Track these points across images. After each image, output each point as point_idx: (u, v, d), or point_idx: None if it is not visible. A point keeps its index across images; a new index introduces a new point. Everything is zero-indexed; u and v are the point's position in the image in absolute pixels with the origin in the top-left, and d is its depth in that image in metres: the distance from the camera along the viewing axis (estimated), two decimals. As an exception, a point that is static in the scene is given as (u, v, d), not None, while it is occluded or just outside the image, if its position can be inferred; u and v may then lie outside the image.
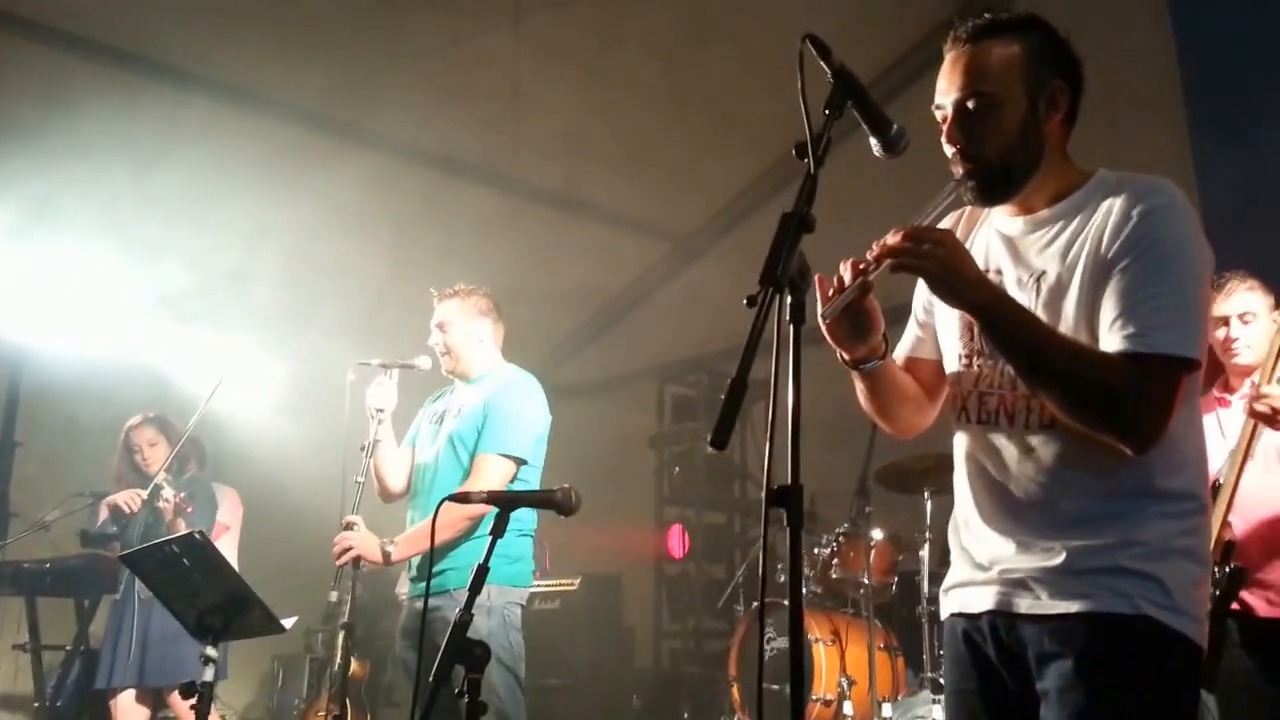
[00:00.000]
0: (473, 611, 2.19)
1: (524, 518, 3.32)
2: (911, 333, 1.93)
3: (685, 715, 4.74)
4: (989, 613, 1.68)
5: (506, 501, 2.34)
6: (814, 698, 4.16)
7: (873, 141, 1.67)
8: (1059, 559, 1.60)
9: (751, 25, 5.47)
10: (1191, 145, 5.27)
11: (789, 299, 1.49)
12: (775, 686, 4.32)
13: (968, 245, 1.81)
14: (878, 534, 4.53)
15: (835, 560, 4.55)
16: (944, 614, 1.82)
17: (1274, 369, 2.77)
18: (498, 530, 2.30)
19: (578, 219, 6.84)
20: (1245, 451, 2.78)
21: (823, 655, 4.22)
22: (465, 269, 3.90)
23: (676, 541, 6.35)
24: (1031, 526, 1.64)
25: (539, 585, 5.49)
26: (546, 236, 6.64)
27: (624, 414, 7.18)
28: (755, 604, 4.63)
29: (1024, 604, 1.63)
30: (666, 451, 6.65)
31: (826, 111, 1.59)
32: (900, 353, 1.92)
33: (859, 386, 1.81)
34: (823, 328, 1.70)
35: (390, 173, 5.94)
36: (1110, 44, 5.51)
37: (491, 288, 3.65)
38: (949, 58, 1.72)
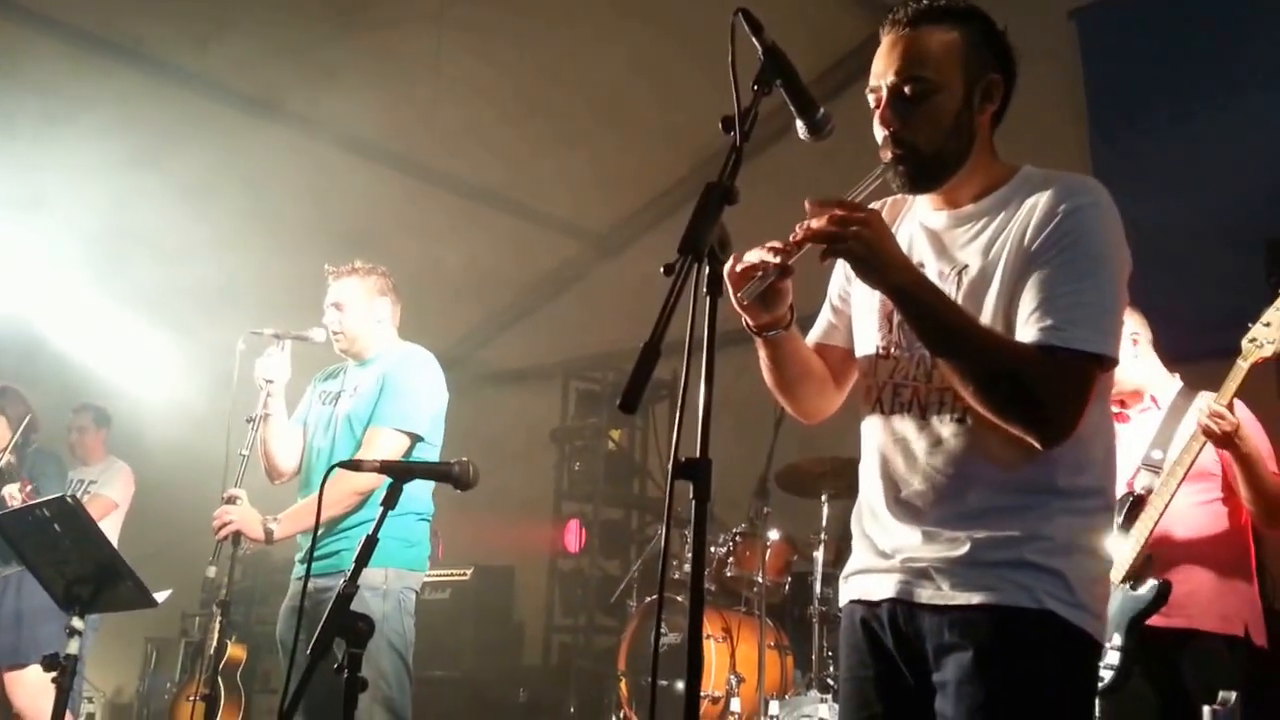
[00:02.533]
0: (359, 585, 2.11)
1: (423, 501, 3.25)
2: (825, 319, 1.92)
3: (571, 710, 4.68)
4: (889, 600, 1.67)
5: (400, 472, 2.26)
6: (703, 694, 4.16)
7: (799, 124, 1.66)
8: (963, 550, 1.60)
9: (674, 29, 5.50)
10: (1094, 169, 5.48)
11: (707, 269, 1.46)
12: (664, 682, 4.32)
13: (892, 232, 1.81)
14: (774, 535, 4.57)
15: (731, 559, 4.57)
16: (843, 600, 1.81)
17: (1233, 392, 2.84)
18: (390, 501, 2.22)
19: (492, 208, 6.76)
20: (1188, 468, 2.86)
21: (713, 652, 4.23)
22: (372, 248, 3.80)
23: (573, 536, 6.31)
24: (938, 517, 1.63)
25: (430, 574, 5.37)
26: (460, 224, 6.54)
27: (529, 406, 7.12)
28: (649, 599, 4.61)
29: (925, 593, 1.63)
30: (568, 446, 6.61)
31: (755, 87, 1.58)
32: (811, 338, 1.91)
33: (762, 356, 1.79)
34: (734, 303, 1.67)
35: (300, 149, 5.77)
36: (1020, 71, 5.71)
37: (401, 270, 3.57)
38: (887, 40, 1.70)
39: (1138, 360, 3.12)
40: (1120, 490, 2.96)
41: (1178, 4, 5.29)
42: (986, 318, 1.63)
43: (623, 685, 4.42)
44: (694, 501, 1.47)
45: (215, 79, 5.58)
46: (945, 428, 1.65)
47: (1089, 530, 1.62)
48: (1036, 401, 1.55)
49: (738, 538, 4.58)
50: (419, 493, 3.22)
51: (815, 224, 1.58)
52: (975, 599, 1.58)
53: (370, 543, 2.17)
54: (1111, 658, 2.80)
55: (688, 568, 4.63)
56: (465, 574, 5.27)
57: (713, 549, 4.62)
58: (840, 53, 5.90)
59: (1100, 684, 2.78)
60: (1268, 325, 2.87)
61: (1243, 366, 2.87)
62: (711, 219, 1.49)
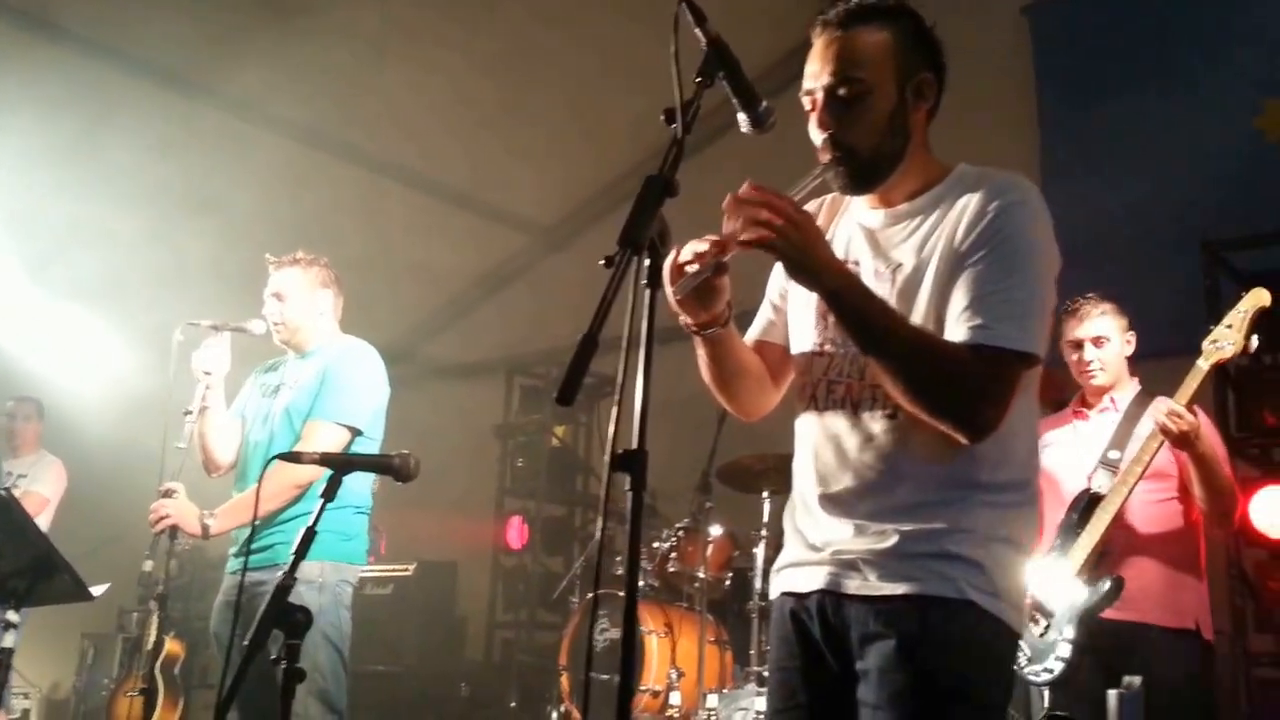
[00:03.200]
0: (296, 577, 2.08)
1: (360, 495, 3.22)
2: (764, 316, 1.92)
3: (513, 705, 4.67)
4: (818, 592, 1.70)
5: (340, 464, 2.23)
6: (643, 688, 4.18)
7: (741, 117, 1.66)
8: (890, 542, 1.62)
9: (626, 20, 5.48)
10: (1042, 166, 5.58)
11: (647, 261, 1.46)
12: (605, 676, 4.31)
13: (829, 235, 1.82)
14: (716, 530, 4.59)
15: (674, 554, 4.58)
16: (774, 593, 1.82)
17: (1192, 393, 2.90)
18: (329, 494, 2.19)
19: (438, 201, 6.70)
20: (1146, 466, 2.91)
21: (654, 647, 4.24)
22: (317, 238, 3.75)
23: (515, 532, 6.28)
24: (867, 511, 1.66)
25: (372, 569, 5.33)
26: (406, 215, 6.48)
27: (473, 401, 7.06)
28: (590, 595, 4.61)
29: (852, 584, 1.65)
30: (511, 441, 6.57)
31: (698, 80, 1.57)
32: (750, 335, 1.92)
33: (700, 354, 1.80)
34: (670, 300, 1.67)
35: (246, 137, 5.67)
36: (971, 61, 5.80)
37: (345, 261, 3.52)
38: (819, 42, 1.70)
39: (1108, 364, 3.17)
40: (1079, 487, 3.03)
41: (1121, 3, 5.40)
42: (919, 315, 1.65)
43: (564, 680, 4.41)
44: (630, 494, 1.47)
45: (154, 62, 5.44)
46: (876, 424, 1.67)
47: (1009, 523, 1.66)
48: (963, 399, 1.57)
49: (680, 533, 4.59)
50: (357, 486, 3.18)
51: (746, 223, 1.56)
52: (900, 589, 1.61)
53: (309, 535, 2.14)
54: (1063, 650, 2.86)
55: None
56: (408, 569, 5.22)
57: (655, 544, 4.63)
58: (800, 40, 5.93)
59: (1050, 676, 2.85)
60: (1229, 327, 2.92)
61: (1203, 368, 2.93)
62: (651, 211, 1.49)
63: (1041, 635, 2.92)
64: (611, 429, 1.48)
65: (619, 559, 4.72)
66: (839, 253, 1.76)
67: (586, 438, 6.80)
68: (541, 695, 4.72)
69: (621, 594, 4.40)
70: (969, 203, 1.65)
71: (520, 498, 6.45)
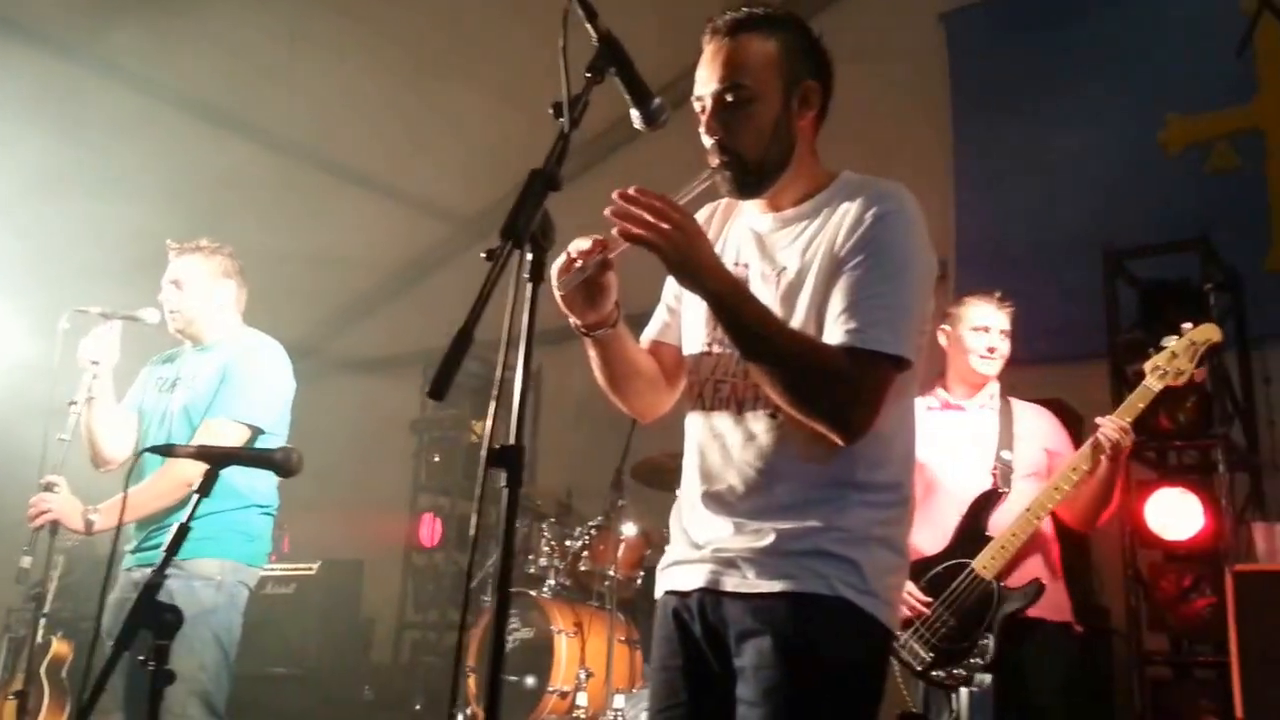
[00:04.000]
0: (191, 575, 1.99)
1: (265, 494, 3.13)
2: (659, 318, 1.95)
3: (418, 707, 4.57)
4: (699, 590, 1.72)
5: (218, 458, 2.14)
6: (550, 689, 4.13)
7: (633, 113, 1.67)
8: (768, 540, 1.66)
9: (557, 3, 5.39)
10: (955, 173, 5.68)
11: (529, 256, 1.46)
12: (513, 677, 4.26)
13: (721, 237, 1.87)
14: (630, 529, 4.56)
15: (586, 553, 4.55)
16: (658, 592, 1.84)
17: (1133, 410, 2.98)
18: (204, 489, 2.11)
19: (355, 188, 6.54)
20: (1083, 477, 2.96)
21: (564, 647, 4.19)
22: (221, 224, 3.62)
23: (428, 530, 6.17)
24: (748, 510, 1.69)
25: (274, 568, 5.19)
26: (322, 202, 6.32)
27: (388, 395, 6.92)
28: (499, 595, 4.54)
29: (731, 582, 1.68)
30: (426, 437, 6.46)
31: (588, 74, 1.58)
32: (646, 336, 1.94)
33: (591, 355, 1.81)
34: (556, 297, 1.68)
35: (147, 116, 5.45)
36: (888, 73, 5.88)
37: (256, 249, 3.41)
38: (708, 50, 1.75)
39: (1001, 358, 3.22)
40: (975, 483, 3.06)
41: (1038, 13, 5.51)
42: (800, 318, 1.70)
43: (471, 681, 4.34)
44: (505, 489, 1.45)
45: (43, 32, 5.16)
46: (758, 424, 1.71)
47: (885, 523, 1.70)
48: (836, 400, 1.61)
49: (593, 531, 4.56)
50: (261, 485, 3.09)
51: (632, 223, 1.58)
52: (776, 586, 1.64)
53: (183, 531, 2.05)
54: (983, 654, 2.89)
55: (543, 561, 4.59)
56: (311, 568, 5.09)
57: (568, 542, 4.59)
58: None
59: (965, 676, 2.88)
60: (1174, 356, 3.01)
61: (1153, 391, 3.01)
62: (534, 205, 1.50)
63: (951, 638, 2.94)
64: (488, 424, 1.46)
65: (530, 557, 4.68)
66: (729, 256, 1.83)
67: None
68: (447, 697, 4.63)
69: (534, 593, 4.38)
70: (849, 209, 1.71)
71: (435, 494, 6.34)
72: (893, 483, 1.71)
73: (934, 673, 2.91)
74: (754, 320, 1.61)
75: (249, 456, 2.36)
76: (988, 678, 2.78)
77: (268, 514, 3.15)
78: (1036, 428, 3.20)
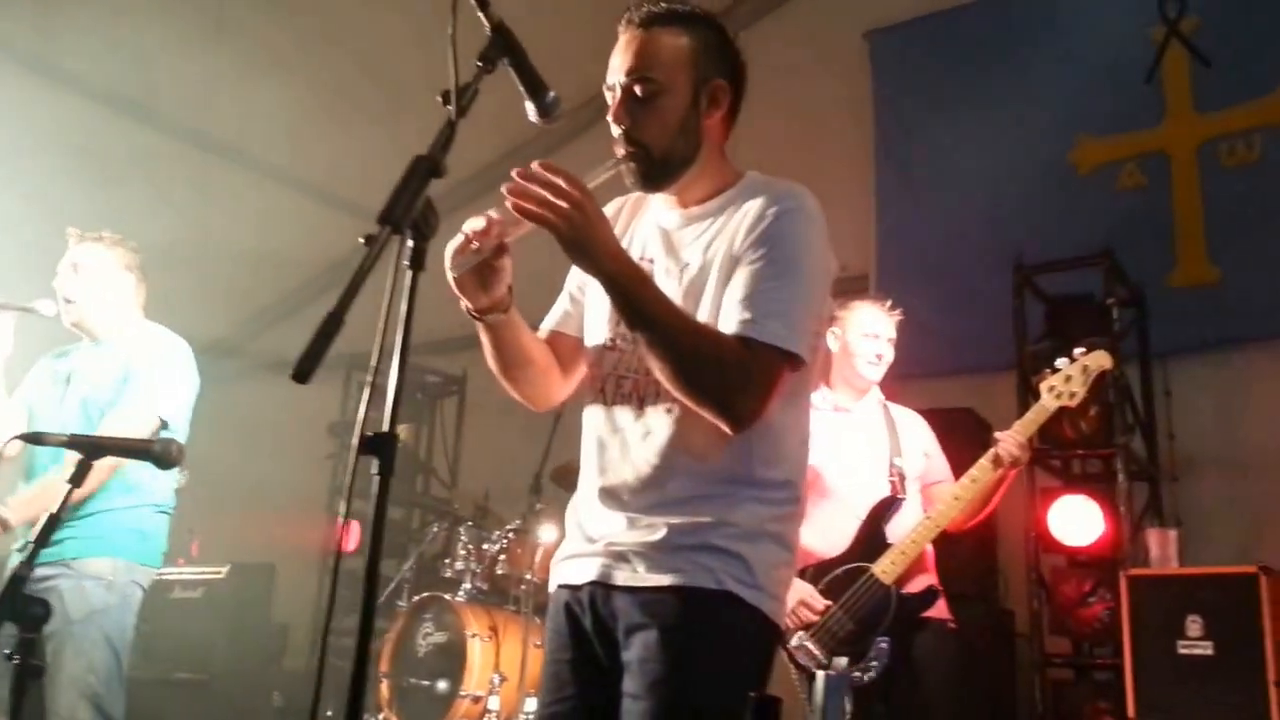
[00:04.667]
0: (34, 566, 1.94)
1: (161, 492, 3.07)
2: (560, 307, 1.94)
3: (329, 714, 4.49)
4: (590, 584, 1.72)
5: (91, 448, 2.09)
6: (463, 693, 4.09)
7: (528, 105, 1.67)
8: (659, 535, 1.66)
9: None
10: (876, 188, 5.78)
11: (410, 243, 1.45)
12: (426, 682, 4.23)
13: (630, 230, 1.87)
14: (548, 533, 4.53)
15: (503, 556, 4.53)
16: (552, 586, 1.83)
17: (1029, 427, 3.06)
18: (77, 480, 2.05)
19: (281, 185, 6.44)
20: (984, 487, 3.02)
21: (477, 651, 4.16)
22: (138, 220, 3.54)
23: (350, 535, 6.08)
24: (642, 505, 1.69)
25: (181, 572, 5.07)
26: (247, 201, 6.21)
27: (309, 397, 6.80)
28: (416, 599, 4.50)
29: (622, 576, 1.68)
30: (346, 440, 6.37)
31: (480, 64, 1.58)
32: (545, 325, 1.93)
33: (483, 339, 1.79)
34: (450, 279, 1.67)
35: (61, 108, 5.31)
36: (815, 87, 5.98)
37: (172, 246, 3.34)
38: (622, 40, 1.76)
39: (886, 365, 3.28)
40: (871, 487, 3.11)
41: (958, 33, 5.65)
42: (703, 313, 1.70)
43: (384, 687, 4.28)
44: (377, 477, 1.44)
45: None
46: (656, 419, 1.71)
47: (776, 519, 1.70)
48: (724, 387, 1.60)
49: (511, 535, 4.54)
50: (156, 483, 3.03)
51: (529, 201, 1.56)
52: (665, 580, 1.64)
53: (52, 521, 2.00)
54: (879, 657, 2.95)
55: (459, 565, 4.56)
56: (220, 572, 4.98)
57: (485, 546, 4.57)
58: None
59: (864, 678, 2.92)
60: (1068, 379, 3.09)
61: (1049, 410, 3.10)
62: (415, 192, 1.49)
63: (848, 641, 2.98)
64: (361, 410, 1.45)
65: (447, 561, 4.64)
66: (636, 250, 1.82)
67: (429, 438, 6.66)
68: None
69: (448, 596, 4.34)
70: (751, 207, 1.71)
71: (357, 498, 6.22)
72: (785, 480, 1.72)
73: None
74: (648, 304, 1.60)
75: (122, 446, 2.30)
76: (844, 660, 2.84)
77: (163, 512, 3.09)
78: (916, 432, 3.27)
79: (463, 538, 4.58)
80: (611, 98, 1.74)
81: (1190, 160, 4.97)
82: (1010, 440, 3.01)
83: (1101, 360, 3.09)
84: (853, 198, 5.72)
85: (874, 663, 2.93)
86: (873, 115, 5.87)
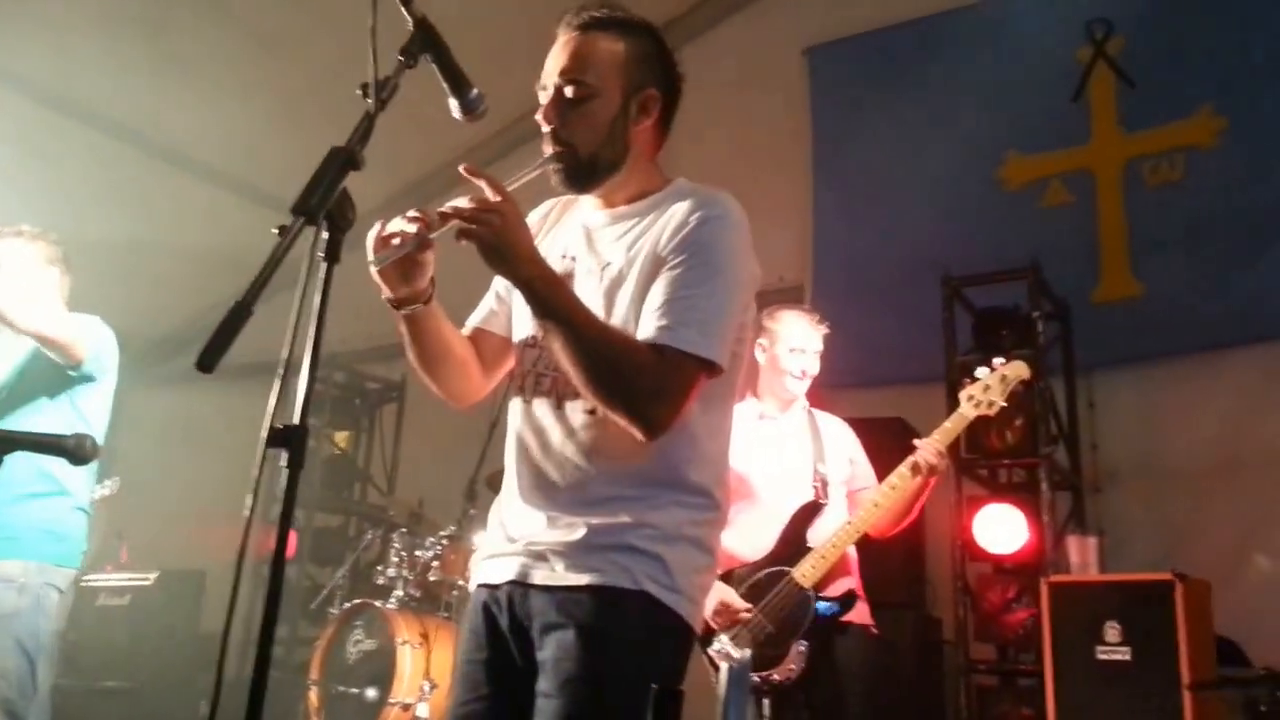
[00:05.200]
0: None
1: (78, 491, 3.00)
2: (486, 305, 1.94)
3: (257, 723, 4.43)
4: (508, 583, 1.71)
5: (2, 441, 2.05)
6: (392, 701, 4.06)
7: (451, 102, 1.69)
8: (578, 535, 1.66)
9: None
10: (813, 206, 5.87)
11: (325, 235, 1.46)
12: (355, 690, 4.19)
13: (556, 229, 1.89)
14: (481, 539, 4.52)
15: (436, 563, 4.50)
16: (471, 585, 1.83)
17: (949, 435, 3.11)
18: (-20, 472, 2.01)
19: (225, 190, 6.36)
20: (902, 494, 3.07)
21: (408, 658, 4.13)
22: (78, 220, 3.49)
23: (270, 539, 5.98)
24: (563, 504, 1.69)
25: (109, 578, 4.98)
26: (192, 205, 6.12)
27: (246, 403, 6.70)
28: (347, 605, 4.46)
29: (539, 575, 1.67)
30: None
31: (401, 58, 1.60)
32: (470, 322, 1.93)
33: (402, 331, 1.78)
34: (372, 272, 1.67)
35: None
36: (755, 102, 6.05)
37: (114, 245, 3.29)
38: (559, 41, 1.77)
39: (811, 378, 3.33)
40: (794, 493, 3.15)
41: (893, 51, 5.77)
42: (620, 314, 1.71)
43: (313, 695, 4.24)
44: (286, 469, 1.44)
45: None
46: (577, 418, 1.71)
47: (696, 523, 1.70)
48: (636, 393, 1.60)
49: (445, 541, 4.51)
50: (75, 483, 2.97)
51: (455, 203, 1.59)
52: (582, 580, 1.64)
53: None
54: (796, 660, 2.99)
55: (391, 572, 4.52)
56: (148, 578, 4.89)
57: (418, 552, 4.54)
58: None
59: (778, 681, 2.95)
60: (987, 388, 3.16)
61: (968, 418, 3.15)
62: (331, 183, 1.49)
63: (767, 643, 3.01)
64: (271, 402, 1.45)
65: (380, 568, 4.61)
66: (560, 248, 1.83)
67: (367, 445, 6.61)
68: (289, 712, 4.51)
69: (379, 604, 4.31)
70: (676, 211, 1.72)
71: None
72: (705, 486, 1.73)
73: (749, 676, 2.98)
74: (562, 308, 1.61)
75: (32, 441, 2.26)
76: (747, 653, 2.87)
77: (81, 511, 3.03)
78: (840, 439, 3.32)
79: (396, 544, 4.55)
80: (544, 97, 1.75)
81: (1115, 178, 5.12)
82: (928, 449, 3.06)
83: (1019, 370, 3.17)
84: (791, 211, 5.82)
85: (791, 666, 2.96)
86: (810, 130, 5.97)
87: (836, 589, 3.09)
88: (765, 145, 6.01)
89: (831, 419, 3.36)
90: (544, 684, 1.62)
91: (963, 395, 3.19)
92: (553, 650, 1.62)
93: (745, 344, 1.79)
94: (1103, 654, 3.56)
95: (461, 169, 1.60)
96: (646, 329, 1.64)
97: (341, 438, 6.45)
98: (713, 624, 3.02)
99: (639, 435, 1.61)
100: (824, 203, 5.84)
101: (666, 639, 1.66)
